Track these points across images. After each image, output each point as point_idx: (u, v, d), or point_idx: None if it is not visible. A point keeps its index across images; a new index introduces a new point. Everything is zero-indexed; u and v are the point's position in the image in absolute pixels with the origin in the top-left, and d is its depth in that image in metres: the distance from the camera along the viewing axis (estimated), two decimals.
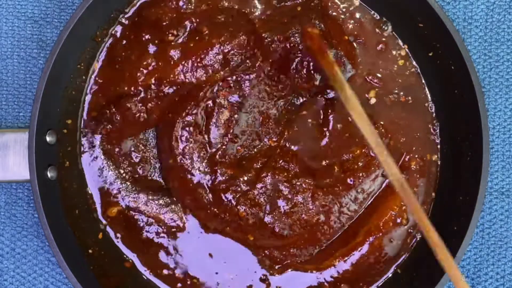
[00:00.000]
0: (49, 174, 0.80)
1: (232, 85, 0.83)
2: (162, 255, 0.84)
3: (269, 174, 0.82)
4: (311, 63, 0.81)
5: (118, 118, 0.83)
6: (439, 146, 0.86)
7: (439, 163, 0.85)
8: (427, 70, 0.85)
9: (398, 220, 0.84)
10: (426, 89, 0.86)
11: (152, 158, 0.84)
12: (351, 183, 0.83)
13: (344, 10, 0.85)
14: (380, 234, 0.84)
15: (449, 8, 0.89)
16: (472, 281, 0.87)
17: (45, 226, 0.76)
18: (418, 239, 0.85)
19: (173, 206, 0.83)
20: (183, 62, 0.81)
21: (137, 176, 0.84)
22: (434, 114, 0.86)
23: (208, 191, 0.82)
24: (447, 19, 0.80)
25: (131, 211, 0.84)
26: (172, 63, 0.81)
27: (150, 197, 0.83)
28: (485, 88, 0.88)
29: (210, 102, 0.82)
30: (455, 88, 0.82)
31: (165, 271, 0.84)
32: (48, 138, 0.80)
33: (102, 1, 0.80)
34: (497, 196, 0.88)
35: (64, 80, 0.81)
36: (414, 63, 0.86)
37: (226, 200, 0.81)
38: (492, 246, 0.88)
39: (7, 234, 0.87)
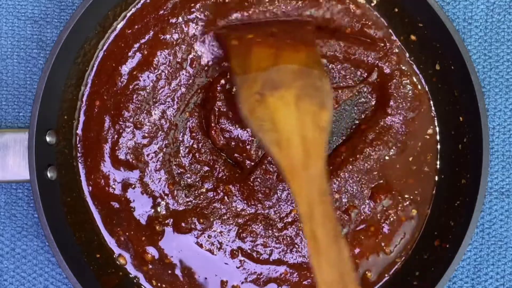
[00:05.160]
0: (49, 174, 0.80)
1: None
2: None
3: None
4: None
5: None
6: (439, 146, 0.86)
7: (439, 163, 0.85)
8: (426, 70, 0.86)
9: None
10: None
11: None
12: None
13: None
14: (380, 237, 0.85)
15: (449, 8, 0.89)
16: (472, 281, 0.87)
17: (45, 226, 0.76)
18: (418, 239, 0.85)
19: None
20: None
21: None
22: (433, 114, 0.86)
23: None
24: (447, 19, 0.80)
25: None
26: None
27: None
28: (485, 88, 0.88)
29: None
30: (455, 88, 0.82)
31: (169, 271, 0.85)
32: (48, 138, 0.80)
33: (102, 1, 0.80)
34: (497, 196, 0.88)
35: (64, 80, 0.82)
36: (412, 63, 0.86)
37: None
38: (492, 246, 0.88)
39: (7, 234, 0.87)
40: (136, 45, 0.83)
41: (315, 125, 0.71)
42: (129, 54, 0.83)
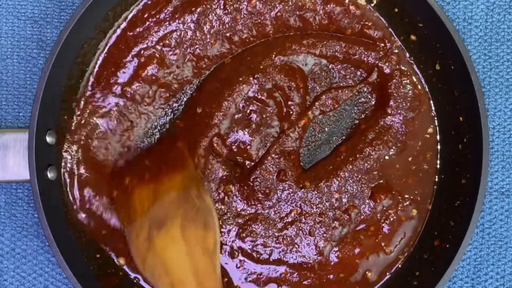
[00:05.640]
0: (49, 174, 0.80)
1: None
2: None
3: None
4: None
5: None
6: (439, 146, 0.86)
7: (439, 163, 0.85)
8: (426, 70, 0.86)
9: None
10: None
11: None
12: None
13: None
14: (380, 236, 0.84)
15: (449, 8, 0.89)
16: (472, 281, 0.87)
17: (45, 226, 0.76)
18: (418, 239, 0.85)
19: None
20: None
21: None
22: (433, 114, 0.86)
23: None
24: (447, 19, 0.80)
25: None
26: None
27: None
28: (485, 88, 0.88)
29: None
30: (455, 88, 0.82)
31: None
32: (48, 138, 0.80)
33: (102, 1, 0.80)
34: (497, 196, 0.88)
35: (64, 80, 0.81)
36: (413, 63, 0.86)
37: None
38: (492, 246, 0.88)
39: (7, 234, 0.87)
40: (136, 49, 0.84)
41: (204, 250, 0.73)
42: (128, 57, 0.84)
